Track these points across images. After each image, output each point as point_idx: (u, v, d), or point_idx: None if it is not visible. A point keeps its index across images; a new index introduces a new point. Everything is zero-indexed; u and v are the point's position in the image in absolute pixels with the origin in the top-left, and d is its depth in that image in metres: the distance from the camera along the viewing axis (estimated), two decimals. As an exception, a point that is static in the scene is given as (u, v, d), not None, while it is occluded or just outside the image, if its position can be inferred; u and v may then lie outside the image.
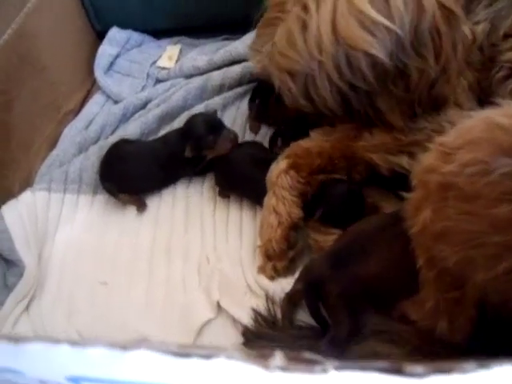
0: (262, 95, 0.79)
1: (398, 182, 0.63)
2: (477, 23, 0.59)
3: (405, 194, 0.47)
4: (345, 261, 0.56)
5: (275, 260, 0.65)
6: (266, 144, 0.80)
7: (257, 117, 0.81)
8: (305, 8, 0.55)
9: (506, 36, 0.58)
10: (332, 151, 0.62)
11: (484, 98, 0.61)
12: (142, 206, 0.78)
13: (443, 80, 0.57)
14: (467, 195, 0.39)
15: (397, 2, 0.52)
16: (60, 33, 0.94)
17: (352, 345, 0.55)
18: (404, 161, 0.61)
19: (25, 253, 0.70)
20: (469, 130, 0.40)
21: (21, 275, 0.68)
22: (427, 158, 0.43)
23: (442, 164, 0.40)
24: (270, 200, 0.66)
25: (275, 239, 0.64)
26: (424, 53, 0.54)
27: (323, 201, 0.63)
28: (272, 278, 0.64)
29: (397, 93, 0.56)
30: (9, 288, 0.67)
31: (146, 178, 0.78)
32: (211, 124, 0.75)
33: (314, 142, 0.64)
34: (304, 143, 0.65)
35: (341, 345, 0.54)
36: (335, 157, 0.63)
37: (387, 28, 0.52)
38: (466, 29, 0.56)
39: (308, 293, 0.58)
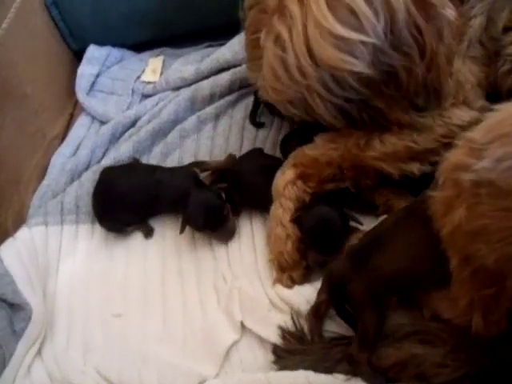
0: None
1: (410, 181, 0.63)
2: (474, 17, 0.58)
3: (432, 193, 0.46)
4: (365, 258, 0.56)
5: (290, 271, 0.63)
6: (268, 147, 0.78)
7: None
8: (278, 39, 0.55)
9: (506, 29, 0.57)
10: (341, 161, 0.61)
11: (492, 92, 0.60)
12: (149, 232, 0.75)
13: (434, 73, 0.56)
14: (503, 191, 0.37)
15: (365, 12, 0.51)
16: (36, 57, 0.90)
17: (386, 347, 0.54)
18: (415, 168, 0.60)
19: (29, 294, 0.66)
20: (498, 124, 0.39)
21: (28, 319, 0.64)
22: (455, 156, 0.41)
23: (473, 161, 0.39)
24: (276, 210, 0.65)
25: (286, 252, 0.63)
26: (407, 50, 0.53)
27: (302, 223, 0.62)
28: (290, 287, 0.63)
29: (389, 92, 0.55)
30: (17, 334, 0.63)
31: (144, 206, 0.74)
32: (212, 219, 0.69)
33: (321, 150, 0.62)
34: (310, 151, 0.63)
35: (370, 342, 0.54)
36: (344, 167, 0.61)
37: (362, 42, 0.51)
38: (447, 12, 0.54)
39: (332, 295, 0.57)
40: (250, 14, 0.60)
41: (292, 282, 0.63)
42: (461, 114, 0.58)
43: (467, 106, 0.59)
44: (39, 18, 0.91)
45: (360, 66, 0.52)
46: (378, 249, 0.55)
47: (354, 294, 0.55)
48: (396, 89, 0.55)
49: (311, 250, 0.63)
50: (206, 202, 0.69)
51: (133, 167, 0.79)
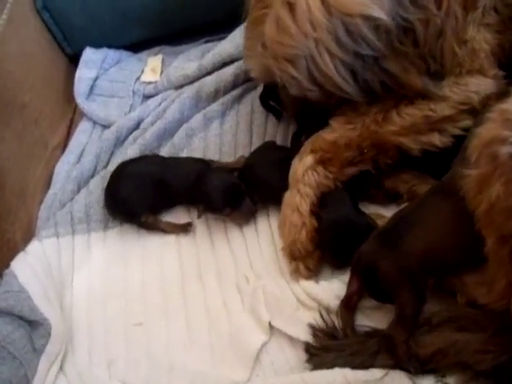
0: (272, 95, 0.74)
1: (430, 160, 0.61)
2: None
3: (464, 171, 0.44)
4: (394, 238, 0.54)
5: (302, 260, 0.61)
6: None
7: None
8: None
9: None
10: (361, 140, 0.59)
11: (505, 60, 0.59)
12: (185, 227, 0.72)
13: (449, 25, 0.54)
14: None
15: None
16: (31, 64, 0.87)
17: (424, 335, 0.53)
18: (436, 138, 0.58)
19: (47, 309, 0.64)
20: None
21: (48, 335, 0.62)
22: (488, 130, 0.39)
23: (509, 133, 0.36)
24: (292, 197, 0.62)
25: (300, 241, 0.61)
26: (423, 3, 0.52)
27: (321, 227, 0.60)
28: (309, 277, 0.61)
29: (406, 50, 0.53)
30: (38, 351, 0.61)
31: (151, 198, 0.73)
32: (231, 195, 0.67)
33: (339, 132, 0.60)
34: (327, 135, 0.61)
35: (409, 322, 0.52)
36: (364, 146, 0.59)
37: None
38: None
39: (364, 279, 0.55)
40: None
41: (311, 272, 0.61)
42: (476, 82, 0.57)
43: (482, 74, 0.58)
44: (31, 23, 0.88)
45: (376, 11, 0.50)
46: (406, 228, 0.54)
47: (386, 275, 0.53)
48: (412, 45, 0.53)
49: (327, 254, 0.61)
50: (224, 179, 0.68)
51: (143, 158, 0.78)
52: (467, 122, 0.57)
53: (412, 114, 0.57)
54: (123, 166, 0.76)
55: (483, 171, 0.41)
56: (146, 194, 0.72)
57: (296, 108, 0.69)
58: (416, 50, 0.54)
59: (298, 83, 0.56)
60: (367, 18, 0.51)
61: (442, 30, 0.54)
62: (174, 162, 0.76)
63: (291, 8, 0.52)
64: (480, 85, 0.57)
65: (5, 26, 0.79)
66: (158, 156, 0.79)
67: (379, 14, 0.50)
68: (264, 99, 0.77)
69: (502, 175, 0.39)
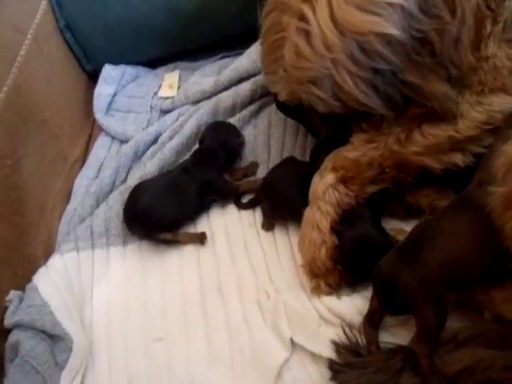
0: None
1: (450, 174, 0.61)
2: None
3: (491, 189, 0.43)
4: (413, 252, 0.54)
5: (323, 278, 0.61)
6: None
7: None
8: (302, 17, 0.54)
9: None
10: (383, 160, 0.59)
11: None
12: (202, 239, 0.72)
13: (466, 32, 0.54)
14: None
15: None
16: (53, 81, 0.89)
17: (450, 352, 0.52)
18: (458, 158, 0.58)
19: (68, 324, 0.64)
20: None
21: (69, 350, 0.62)
22: None
23: None
24: (313, 215, 0.62)
25: (320, 259, 0.61)
26: (437, 13, 0.52)
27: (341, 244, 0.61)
28: (330, 294, 0.60)
29: (423, 61, 0.54)
30: (60, 366, 0.61)
31: (175, 207, 0.73)
32: (228, 128, 0.80)
33: (360, 150, 0.60)
34: (348, 153, 0.61)
35: (431, 336, 0.52)
36: (386, 165, 0.59)
37: (390, 4, 0.50)
38: None
39: (381, 292, 0.55)
40: (270, 16, 0.59)
41: (332, 288, 0.60)
42: (500, 101, 0.57)
43: (505, 92, 0.57)
44: (54, 42, 0.90)
45: (388, 27, 0.50)
46: (426, 241, 0.53)
47: (407, 288, 0.53)
48: (430, 55, 0.53)
49: (346, 272, 0.60)
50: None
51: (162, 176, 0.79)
52: (490, 141, 0.57)
53: (435, 134, 0.57)
54: (140, 184, 0.77)
55: (510, 189, 0.41)
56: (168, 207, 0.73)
57: (324, 127, 0.69)
58: (434, 59, 0.54)
59: (324, 102, 0.57)
60: (380, 35, 0.51)
61: (459, 37, 0.54)
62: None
63: (305, 33, 0.53)
64: (504, 104, 0.56)
65: (30, 45, 0.81)
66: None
67: (391, 29, 0.51)
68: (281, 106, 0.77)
69: None
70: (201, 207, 0.76)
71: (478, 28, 0.56)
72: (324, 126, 0.69)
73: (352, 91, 0.55)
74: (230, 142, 0.78)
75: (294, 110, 0.72)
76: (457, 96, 0.56)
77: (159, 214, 0.72)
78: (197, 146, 0.83)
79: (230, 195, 0.76)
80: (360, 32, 0.51)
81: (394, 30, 0.51)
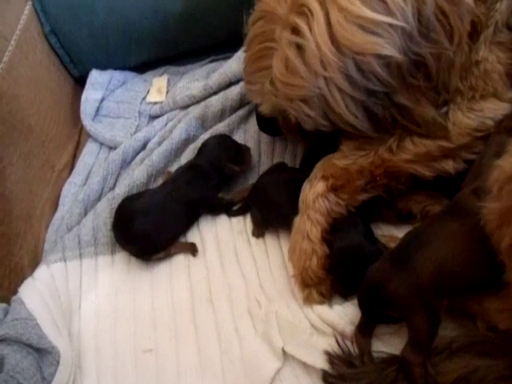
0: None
1: (442, 180, 0.60)
2: (499, 0, 0.55)
3: (485, 205, 0.43)
4: (404, 258, 0.53)
5: (315, 287, 0.60)
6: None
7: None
8: (295, 30, 0.52)
9: None
10: (373, 168, 0.58)
11: None
12: (192, 250, 0.71)
13: (460, 57, 0.53)
14: None
15: None
16: (38, 87, 0.87)
17: (444, 361, 0.51)
18: (449, 166, 0.58)
19: (55, 336, 0.62)
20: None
21: (57, 363, 0.61)
22: (511, 164, 0.38)
23: None
24: (303, 224, 0.61)
25: (311, 268, 0.60)
26: (435, 37, 0.51)
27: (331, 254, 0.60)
28: (322, 303, 0.60)
29: (418, 84, 0.53)
30: (47, 380, 0.59)
31: (169, 229, 0.72)
32: (229, 144, 0.76)
33: (350, 159, 0.59)
34: (338, 161, 0.60)
35: (424, 344, 0.51)
36: (377, 174, 0.58)
37: (391, 25, 0.49)
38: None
39: (367, 298, 0.54)
40: (257, 25, 0.58)
41: (324, 297, 0.60)
42: (492, 107, 0.56)
43: (497, 97, 0.56)
44: (39, 47, 0.88)
45: (388, 49, 0.49)
46: (416, 248, 0.53)
47: (396, 296, 0.52)
48: (425, 79, 0.53)
49: (336, 281, 0.60)
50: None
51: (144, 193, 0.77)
52: (481, 147, 0.56)
53: (426, 143, 0.56)
54: (129, 203, 0.74)
55: (505, 205, 0.40)
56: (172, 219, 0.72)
57: (302, 137, 0.68)
58: (428, 83, 0.53)
59: (312, 120, 0.56)
60: (379, 57, 0.50)
61: (454, 61, 0.53)
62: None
63: (298, 48, 0.52)
64: (496, 110, 0.55)
65: (13, 51, 0.80)
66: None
67: (392, 51, 0.50)
68: (263, 127, 0.76)
69: None
70: (193, 221, 0.74)
71: (470, 47, 0.55)
72: (304, 139, 0.68)
73: (343, 112, 0.54)
74: (227, 167, 0.73)
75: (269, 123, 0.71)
76: (442, 116, 0.55)
77: (156, 239, 0.70)
78: (186, 151, 0.82)
79: (224, 211, 0.74)
80: (360, 52, 0.50)
81: (394, 52, 0.50)
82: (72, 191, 0.85)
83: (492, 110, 0.55)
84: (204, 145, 0.78)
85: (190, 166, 0.76)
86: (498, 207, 0.41)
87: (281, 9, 0.53)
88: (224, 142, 0.76)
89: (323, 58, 0.51)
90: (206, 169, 0.73)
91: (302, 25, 0.51)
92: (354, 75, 0.51)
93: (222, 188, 0.76)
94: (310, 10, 0.51)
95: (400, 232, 0.61)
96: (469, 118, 0.56)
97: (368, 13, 0.49)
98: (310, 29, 0.51)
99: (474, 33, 0.54)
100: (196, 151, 0.79)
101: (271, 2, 0.54)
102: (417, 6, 0.50)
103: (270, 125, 0.72)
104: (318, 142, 0.66)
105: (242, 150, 0.76)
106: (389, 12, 0.49)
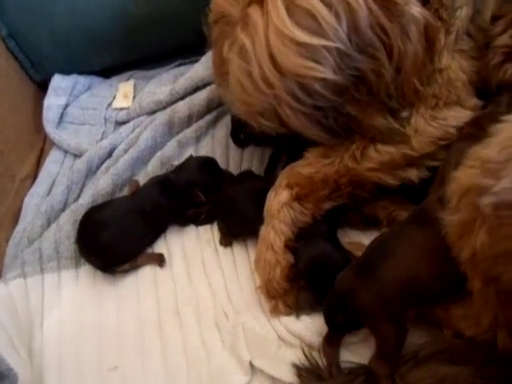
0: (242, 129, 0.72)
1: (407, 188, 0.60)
2: (459, 7, 0.55)
3: (444, 216, 0.42)
4: (369, 268, 0.52)
5: (280, 299, 0.59)
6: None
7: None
8: (241, 50, 0.52)
9: (495, 18, 0.54)
10: (338, 177, 0.57)
11: (482, 87, 0.58)
12: (160, 260, 0.69)
13: (403, 75, 0.53)
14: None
15: (325, 16, 0.48)
16: (-3, 94, 0.84)
17: (412, 370, 0.51)
18: (413, 174, 0.58)
19: (13, 358, 0.59)
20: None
21: (15, 387, 0.58)
22: (468, 176, 0.38)
23: (490, 182, 0.35)
24: (267, 234, 0.61)
25: (275, 279, 0.59)
26: (374, 52, 0.51)
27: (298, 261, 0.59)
28: (289, 314, 0.59)
29: (362, 98, 0.53)
30: (4, 406, 0.57)
31: (135, 240, 0.70)
32: (212, 168, 0.73)
33: (315, 167, 0.58)
34: (303, 169, 0.59)
35: (391, 355, 0.50)
36: (341, 183, 0.58)
37: (325, 47, 0.49)
38: (412, 9, 0.51)
39: (333, 308, 0.54)
40: (216, 28, 0.57)
41: (291, 309, 0.59)
42: (455, 115, 0.56)
43: (460, 105, 0.56)
44: (-5, 52, 0.85)
45: (325, 72, 0.49)
46: (382, 257, 0.52)
47: (363, 306, 0.51)
48: (367, 93, 0.52)
49: (304, 290, 0.59)
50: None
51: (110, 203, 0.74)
52: (445, 155, 0.56)
53: (389, 151, 0.56)
54: (95, 213, 0.72)
55: (464, 217, 0.40)
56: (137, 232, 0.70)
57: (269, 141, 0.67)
58: (371, 96, 0.53)
59: (271, 128, 0.57)
60: (318, 79, 0.50)
61: (395, 80, 0.53)
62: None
63: (247, 72, 0.52)
64: (459, 118, 0.55)
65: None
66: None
67: (328, 74, 0.49)
68: (236, 135, 0.76)
69: (484, 224, 0.38)
70: (160, 232, 0.72)
71: (432, 43, 0.54)
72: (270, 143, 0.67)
73: (295, 125, 0.54)
74: (195, 194, 0.71)
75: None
76: (399, 123, 0.55)
77: (121, 250, 0.68)
78: (153, 159, 0.80)
79: (191, 222, 0.72)
80: (299, 75, 0.50)
81: (331, 75, 0.50)
82: (34, 202, 0.82)
83: (455, 118, 0.55)
84: (186, 162, 0.75)
85: (162, 181, 0.73)
86: (457, 219, 0.41)
87: (234, 11, 0.52)
88: (206, 165, 0.74)
89: (267, 79, 0.51)
90: (178, 186, 0.71)
91: (247, 44, 0.51)
92: (299, 94, 0.51)
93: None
94: (253, 25, 0.50)
95: (367, 239, 0.60)
96: (432, 126, 0.55)
97: (301, 36, 0.49)
98: (254, 49, 0.51)
99: (428, 42, 0.53)
100: (162, 159, 0.78)
101: (225, 5, 0.53)
102: (352, 23, 0.49)
103: (242, 134, 0.73)
104: (283, 146, 0.65)
105: (225, 177, 0.74)
106: (322, 34, 0.49)
